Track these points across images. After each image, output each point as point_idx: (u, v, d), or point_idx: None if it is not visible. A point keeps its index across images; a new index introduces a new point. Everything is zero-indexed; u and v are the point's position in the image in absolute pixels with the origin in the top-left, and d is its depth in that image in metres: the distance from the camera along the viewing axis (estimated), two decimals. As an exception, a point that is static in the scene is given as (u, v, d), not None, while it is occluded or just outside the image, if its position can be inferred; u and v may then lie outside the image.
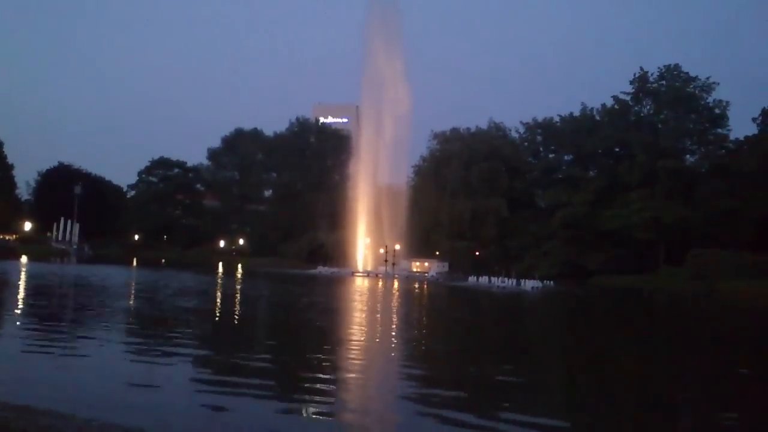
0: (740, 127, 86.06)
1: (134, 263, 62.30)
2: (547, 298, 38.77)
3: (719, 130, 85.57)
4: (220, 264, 75.59)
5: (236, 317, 17.89)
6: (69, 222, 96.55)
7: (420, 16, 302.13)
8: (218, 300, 23.46)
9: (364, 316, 21.19)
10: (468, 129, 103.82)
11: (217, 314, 18.19)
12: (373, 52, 79.72)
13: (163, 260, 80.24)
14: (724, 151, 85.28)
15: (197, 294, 25.43)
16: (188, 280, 35.48)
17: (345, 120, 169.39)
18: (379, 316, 21.71)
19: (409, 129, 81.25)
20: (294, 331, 15.36)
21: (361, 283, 47.31)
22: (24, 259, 56.81)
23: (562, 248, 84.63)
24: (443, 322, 21.09)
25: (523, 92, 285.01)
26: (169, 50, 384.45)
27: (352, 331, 16.78)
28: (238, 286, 34.19)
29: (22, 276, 31.82)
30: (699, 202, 78.38)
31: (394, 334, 16.24)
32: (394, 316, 22.09)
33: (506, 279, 51.69)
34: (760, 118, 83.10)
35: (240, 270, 61.31)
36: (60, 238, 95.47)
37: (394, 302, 29.71)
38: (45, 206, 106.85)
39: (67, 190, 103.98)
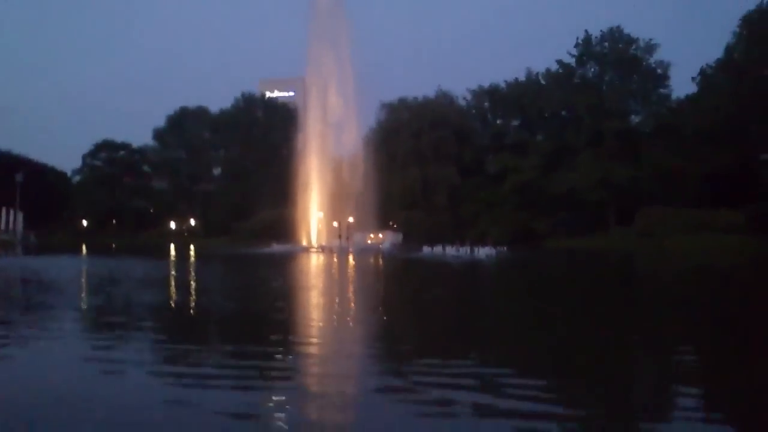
0: (680, 86, 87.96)
1: (83, 251, 60.89)
2: (501, 265, 39.16)
3: (662, 90, 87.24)
4: (172, 247, 74.44)
5: (191, 309, 17.54)
6: (12, 211, 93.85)
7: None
8: (172, 290, 22.99)
9: (320, 299, 21.03)
10: (416, 98, 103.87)
11: (171, 306, 17.79)
12: (317, 23, 78.69)
13: (114, 245, 78.73)
14: (666, 110, 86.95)
15: (147, 284, 24.89)
16: (137, 268, 34.80)
17: (291, 93, 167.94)
18: (337, 298, 21.61)
19: (353, 100, 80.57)
20: (252, 321, 15.13)
21: (315, 260, 47.11)
22: (-35, 252, 55.06)
23: (514, 213, 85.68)
24: (399, 302, 21.08)
25: (469, 59, 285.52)
26: (110, 29, 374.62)
27: (308, 317, 16.64)
28: (192, 272, 33.65)
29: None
30: (645, 162, 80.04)
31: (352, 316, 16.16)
32: (351, 296, 22.01)
33: (460, 248, 52.00)
34: (699, 77, 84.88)
35: (192, 252, 60.45)
36: (2, 228, 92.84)
37: (349, 279, 29.64)
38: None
39: (8, 178, 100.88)
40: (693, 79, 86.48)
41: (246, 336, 12.68)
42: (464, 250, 51.06)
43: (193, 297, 20.31)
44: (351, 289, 24.57)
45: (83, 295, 20.98)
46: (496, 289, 26.29)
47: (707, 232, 64.61)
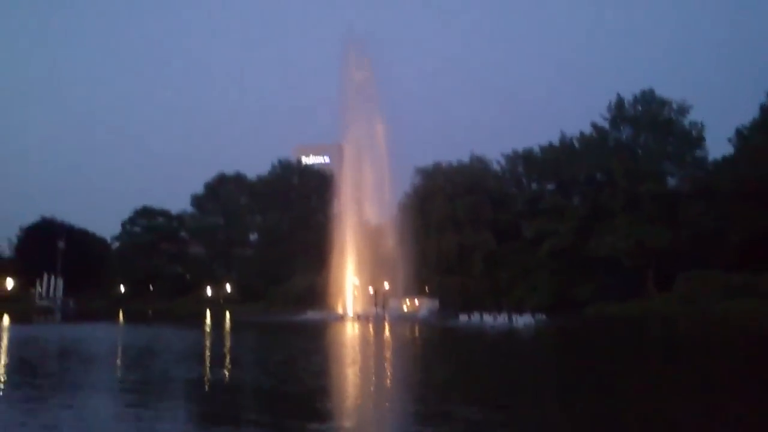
0: (716, 147, 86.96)
1: (121, 318, 61.34)
2: (541, 336, 38.33)
3: (697, 152, 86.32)
4: (208, 313, 74.65)
5: (226, 385, 17.37)
6: (53, 277, 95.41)
7: (397, 54, 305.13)
8: (207, 364, 22.85)
9: (358, 380, 20.72)
10: (450, 163, 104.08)
11: (206, 383, 17.63)
12: (350, 91, 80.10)
13: (150, 312, 79.28)
14: (703, 172, 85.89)
15: (186, 357, 24.81)
16: (176, 339, 34.82)
17: (327, 159, 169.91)
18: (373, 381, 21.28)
19: (387, 166, 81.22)
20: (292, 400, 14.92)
21: (351, 329, 46.71)
22: (6, 319, 55.74)
23: (551, 278, 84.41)
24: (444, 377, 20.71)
25: (503, 125, 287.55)
26: (150, 98, 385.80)
27: (349, 399, 16.35)
28: (227, 344, 33.51)
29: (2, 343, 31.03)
30: (683, 225, 78.67)
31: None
32: (389, 379, 21.67)
33: (497, 315, 51.28)
34: (735, 138, 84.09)
35: (228, 321, 60.48)
36: (44, 294, 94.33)
37: (387, 356, 29.23)
38: (28, 262, 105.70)
39: (50, 245, 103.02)
40: (729, 140, 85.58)
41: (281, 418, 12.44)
42: (502, 318, 50.32)
43: (228, 373, 20.13)
44: (388, 368, 24.13)
45: (119, 370, 20.94)
46: (543, 370, 25.53)
47: (750, 297, 62.90)
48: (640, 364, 23.44)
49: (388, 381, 19.08)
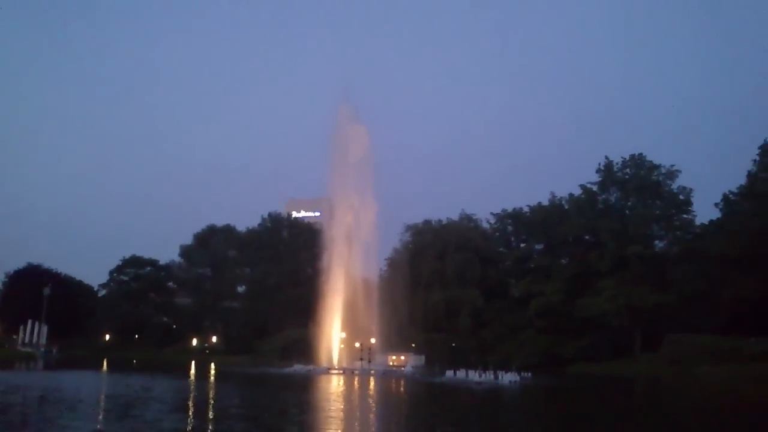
0: (703, 211, 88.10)
1: (105, 366, 60.71)
2: (525, 394, 38.31)
3: (685, 216, 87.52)
4: (193, 364, 73.95)
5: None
6: (37, 324, 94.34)
7: (389, 112, 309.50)
8: (190, 415, 22.79)
9: None
10: (440, 221, 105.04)
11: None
12: (339, 147, 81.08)
13: (135, 361, 78.48)
14: (690, 235, 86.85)
15: (170, 408, 24.73)
16: (160, 388, 34.60)
17: (317, 214, 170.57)
18: None
19: (373, 227, 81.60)
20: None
21: (336, 383, 46.49)
22: (-13, 366, 55.11)
23: (538, 338, 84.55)
24: None
25: (493, 184, 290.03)
26: (139, 147, 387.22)
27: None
28: (212, 395, 33.34)
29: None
30: (670, 287, 79.23)
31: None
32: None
33: (483, 373, 51.18)
34: (722, 203, 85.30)
35: (213, 372, 59.96)
36: (27, 340, 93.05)
37: (372, 410, 29.20)
38: (12, 308, 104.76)
39: (36, 291, 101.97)
40: (716, 204, 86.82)
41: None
42: (487, 376, 50.24)
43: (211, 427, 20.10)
44: (372, 421, 24.16)
45: (100, 419, 20.86)
46: (521, 425, 25.63)
47: (735, 361, 63.10)
48: (613, 422, 23.62)
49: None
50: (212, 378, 48.82)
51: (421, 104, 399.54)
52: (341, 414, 26.30)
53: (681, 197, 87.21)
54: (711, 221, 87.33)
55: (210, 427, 19.17)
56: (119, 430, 17.34)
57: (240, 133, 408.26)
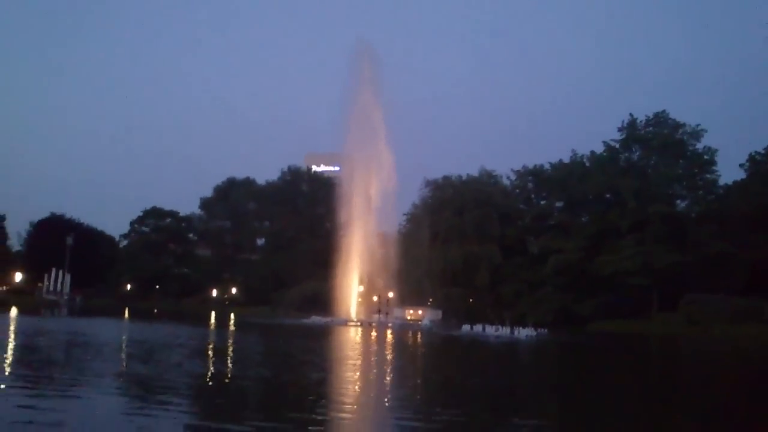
0: (728, 172, 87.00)
1: (126, 315, 61.71)
2: (540, 348, 38.55)
3: (708, 176, 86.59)
4: (213, 314, 74.98)
5: (229, 380, 17.71)
6: (61, 272, 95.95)
7: (409, 66, 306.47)
8: (210, 360, 23.17)
9: (358, 374, 21.06)
10: (460, 176, 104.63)
11: (209, 377, 17.92)
12: (357, 102, 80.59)
13: (156, 311, 79.68)
14: (713, 196, 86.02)
15: (191, 353, 25.16)
16: (181, 336, 35.17)
17: (337, 168, 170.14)
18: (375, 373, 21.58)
19: (391, 180, 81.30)
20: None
21: (354, 334, 46.99)
22: (14, 311, 56.24)
23: (555, 295, 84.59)
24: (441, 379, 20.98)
25: (514, 140, 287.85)
26: (162, 100, 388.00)
27: (348, 390, 16.66)
28: (231, 342, 33.86)
29: (11, 332, 31.46)
30: (690, 247, 78.72)
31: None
32: (389, 376, 21.94)
33: (500, 327, 51.48)
34: (748, 164, 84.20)
35: (233, 321, 60.79)
36: (51, 289, 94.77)
37: (389, 356, 29.52)
38: (36, 257, 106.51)
39: (59, 241, 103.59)
40: (741, 165, 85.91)
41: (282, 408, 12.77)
42: (504, 331, 50.54)
43: (230, 368, 20.48)
44: (387, 367, 24.47)
45: (126, 361, 21.30)
46: (535, 378, 25.86)
47: (754, 322, 62.95)
48: (626, 379, 23.74)
49: (387, 377, 19.39)
50: (232, 327, 49.52)
51: (444, 60, 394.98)
52: (359, 360, 26.71)
53: (705, 157, 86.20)
54: (735, 182, 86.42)
55: (231, 370, 19.53)
56: (145, 371, 17.66)
57: (260, 87, 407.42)
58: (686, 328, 66.95)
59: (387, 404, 14.18)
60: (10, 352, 21.42)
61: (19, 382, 14.82)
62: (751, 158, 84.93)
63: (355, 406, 13.51)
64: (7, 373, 16.14)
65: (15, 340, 26.88)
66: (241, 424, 10.92)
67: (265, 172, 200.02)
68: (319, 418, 11.70)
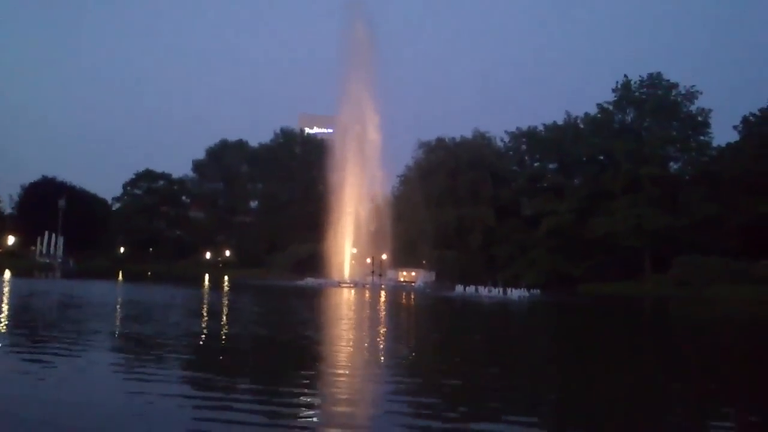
0: (722, 134, 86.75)
1: (120, 277, 61.89)
2: (532, 308, 38.95)
3: (702, 138, 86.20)
4: (207, 276, 75.25)
5: (225, 339, 17.86)
6: (53, 235, 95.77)
7: (402, 27, 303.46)
8: (204, 318, 23.31)
9: (351, 332, 21.24)
10: (453, 138, 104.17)
11: (203, 337, 18.07)
12: (349, 64, 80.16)
13: (149, 273, 79.88)
14: (707, 158, 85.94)
15: (186, 313, 25.32)
16: (176, 297, 35.34)
17: (330, 130, 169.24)
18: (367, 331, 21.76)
19: (389, 138, 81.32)
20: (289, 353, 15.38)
21: (348, 295, 47.31)
22: (7, 273, 56.32)
23: (548, 256, 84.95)
24: (430, 336, 21.21)
25: (508, 101, 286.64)
26: (154, 63, 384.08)
27: (341, 348, 16.83)
28: (226, 302, 34.05)
29: (5, 293, 31.54)
30: (683, 209, 78.97)
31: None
32: (382, 332, 22.12)
33: (492, 288, 51.86)
34: (741, 125, 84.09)
35: (227, 283, 61.06)
36: (44, 251, 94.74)
37: (381, 316, 29.75)
38: (29, 220, 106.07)
39: (51, 204, 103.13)
40: (735, 127, 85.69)
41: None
42: (497, 291, 50.93)
43: (226, 327, 20.64)
44: (380, 325, 24.69)
45: (124, 322, 21.43)
46: (522, 336, 26.14)
47: (745, 283, 63.52)
48: (614, 336, 24.11)
49: (380, 335, 19.58)
50: (226, 288, 49.77)
51: (438, 21, 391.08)
52: (353, 317, 27.00)
53: (699, 119, 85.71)
54: (728, 144, 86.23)
55: (227, 329, 19.69)
56: (144, 331, 17.77)
57: (254, 47, 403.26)
58: (678, 290, 67.48)
59: (382, 362, 14.34)
60: (5, 312, 21.53)
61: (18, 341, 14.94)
62: (745, 120, 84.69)
63: (349, 365, 13.67)
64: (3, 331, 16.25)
65: (15, 301, 27.01)
66: (236, 382, 11.04)
67: (259, 133, 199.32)
68: (312, 374, 11.83)
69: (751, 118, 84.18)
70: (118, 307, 26.60)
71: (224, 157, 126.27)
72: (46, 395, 9.25)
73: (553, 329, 27.19)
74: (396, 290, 58.14)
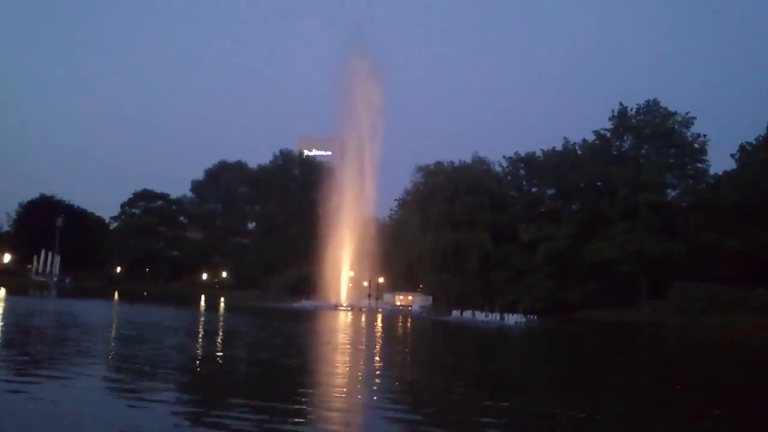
0: (719, 162, 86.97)
1: (116, 297, 61.65)
2: (528, 334, 38.83)
3: (699, 165, 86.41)
4: (203, 297, 75.01)
5: (220, 362, 17.78)
6: (50, 254, 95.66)
7: (402, 51, 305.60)
8: (199, 339, 23.23)
9: (347, 357, 21.15)
10: (452, 162, 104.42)
11: (198, 360, 18.00)
12: (350, 88, 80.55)
13: (145, 293, 79.62)
14: (704, 185, 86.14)
15: (180, 332, 25.24)
16: (170, 317, 35.21)
17: (329, 153, 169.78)
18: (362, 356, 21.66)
19: (376, 165, 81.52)
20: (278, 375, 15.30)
21: (344, 318, 47.15)
22: (2, 291, 56.12)
23: (545, 282, 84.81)
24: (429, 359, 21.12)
25: (506, 127, 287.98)
26: (154, 82, 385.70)
27: (334, 371, 16.76)
28: (221, 324, 33.92)
29: None
30: (680, 236, 79.01)
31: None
32: (377, 357, 22.01)
33: (489, 313, 51.74)
34: (738, 153, 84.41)
35: (223, 305, 60.85)
36: (40, 270, 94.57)
37: (377, 340, 29.63)
38: (26, 238, 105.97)
39: (49, 222, 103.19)
40: (732, 155, 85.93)
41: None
42: (493, 317, 50.81)
43: (221, 347, 20.54)
44: (375, 348, 24.59)
45: (119, 341, 21.34)
46: (517, 361, 26.05)
47: (741, 311, 63.39)
48: (609, 363, 24.06)
49: (375, 358, 19.50)
50: (222, 310, 49.60)
51: (438, 47, 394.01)
52: (348, 339, 26.90)
53: (695, 146, 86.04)
54: (725, 172, 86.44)
55: (222, 352, 19.61)
56: (137, 353, 17.69)
57: (253, 69, 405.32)
58: (675, 317, 67.32)
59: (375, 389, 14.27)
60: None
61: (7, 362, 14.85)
62: (742, 148, 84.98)
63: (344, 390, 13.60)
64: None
65: (8, 320, 26.90)
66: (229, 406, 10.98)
67: (257, 155, 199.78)
68: (304, 402, 11.76)
69: (747, 146, 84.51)
70: (115, 327, 26.49)
71: (223, 179, 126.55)
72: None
73: (543, 356, 27.09)
74: (392, 314, 57.96)
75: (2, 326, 23.66)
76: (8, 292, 54.54)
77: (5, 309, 34.08)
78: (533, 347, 31.50)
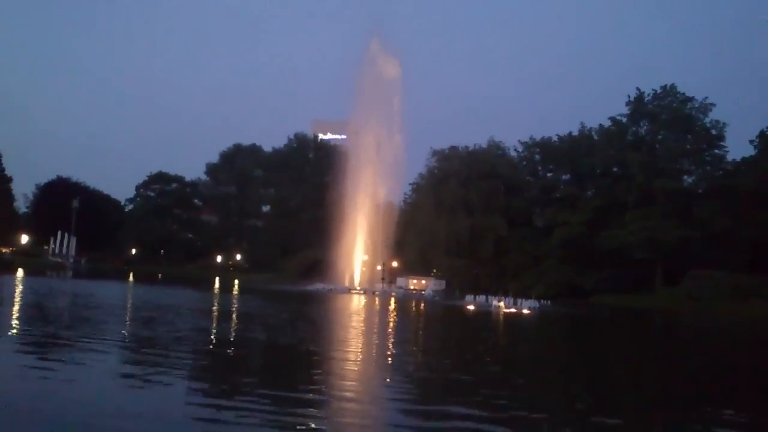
0: (737, 148, 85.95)
1: (131, 278, 62.07)
2: (542, 320, 38.79)
3: (716, 151, 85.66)
4: (217, 280, 75.37)
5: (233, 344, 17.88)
6: (66, 235, 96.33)
7: (418, 35, 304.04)
8: (214, 322, 23.36)
9: (361, 339, 21.22)
10: (467, 147, 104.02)
11: (212, 341, 18.09)
12: (367, 70, 79.98)
13: (160, 275, 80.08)
14: (721, 172, 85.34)
15: (194, 314, 25.39)
16: (184, 299, 35.44)
17: (343, 137, 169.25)
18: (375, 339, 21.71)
19: (402, 148, 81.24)
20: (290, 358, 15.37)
21: (357, 301, 47.29)
22: (20, 272, 56.62)
23: (560, 268, 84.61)
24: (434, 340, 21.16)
25: (523, 111, 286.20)
26: (169, 65, 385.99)
27: (346, 353, 16.82)
28: (236, 306, 34.10)
29: (18, 292, 31.71)
30: (696, 223, 78.38)
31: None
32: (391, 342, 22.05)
33: (503, 299, 51.65)
34: (758, 140, 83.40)
35: (237, 287, 61.12)
36: (57, 251, 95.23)
37: (390, 323, 29.71)
38: (42, 219, 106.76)
39: (65, 204, 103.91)
40: (751, 141, 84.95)
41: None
42: (507, 302, 50.71)
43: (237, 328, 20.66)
44: (388, 330, 24.66)
45: (136, 322, 21.51)
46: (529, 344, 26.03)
47: (756, 299, 63.05)
48: (618, 349, 24.03)
49: (388, 340, 19.56)
50: (236, 292, 49.86)
51: (454, 30, 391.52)
52: (361, 323, 26.99)
53: (713, 132, 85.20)
54: (744, 158, 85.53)
55: (237, 332, 19.75)
56: (150, 333, 17.83)
57: (268, 52, 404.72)
58: (689, 304, 67.07)
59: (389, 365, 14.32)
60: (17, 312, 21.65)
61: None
62: (762, 134, 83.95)
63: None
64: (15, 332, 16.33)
65: (27, 300, 27.18)
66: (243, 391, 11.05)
67: (272, 138, 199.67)
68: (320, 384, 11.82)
69: (767, 132, 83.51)
70: (132, 307, 26.70)
71: (237, 161, 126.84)
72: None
73: (554, 341, 27.06)
74: (405, 298, 58.03)
75: (23, 306, 23.91)
76: (26, 273, 55.05)
77: (25, 289, 34.41)
78: (560, 334, 31.44)
